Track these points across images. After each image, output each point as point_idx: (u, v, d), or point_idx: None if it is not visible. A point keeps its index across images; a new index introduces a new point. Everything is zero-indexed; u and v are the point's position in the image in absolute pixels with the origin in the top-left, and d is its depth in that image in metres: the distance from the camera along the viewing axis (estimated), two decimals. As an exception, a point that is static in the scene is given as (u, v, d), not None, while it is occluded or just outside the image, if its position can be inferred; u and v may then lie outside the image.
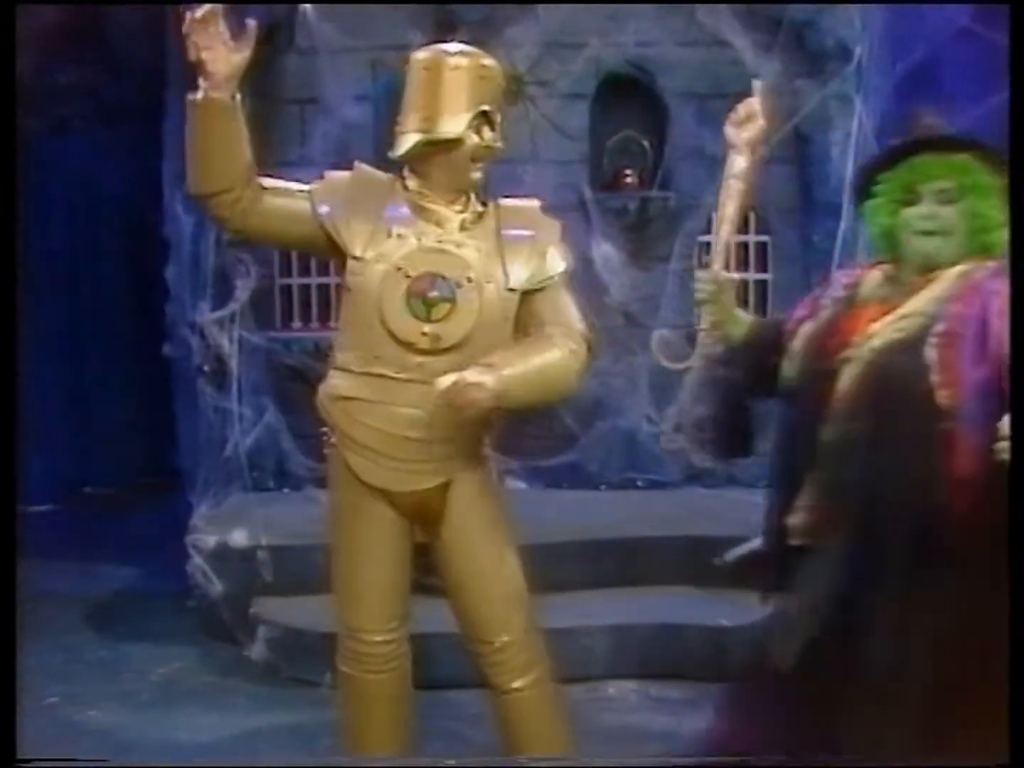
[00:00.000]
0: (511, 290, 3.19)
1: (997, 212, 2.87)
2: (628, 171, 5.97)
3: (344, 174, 3.25)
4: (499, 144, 3.21)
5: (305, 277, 6.03)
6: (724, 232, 3.10)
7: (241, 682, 4.48)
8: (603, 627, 4.59)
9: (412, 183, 3.20)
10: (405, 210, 3.19)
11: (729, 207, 3.11)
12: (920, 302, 2.84)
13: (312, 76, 5.79)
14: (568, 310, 3.25)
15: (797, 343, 3.01)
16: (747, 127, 3.14)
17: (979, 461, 2.73)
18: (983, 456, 2.71)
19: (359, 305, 3.14)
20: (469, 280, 3.14)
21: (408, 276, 3.11)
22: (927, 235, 2.88)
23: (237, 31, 2.96)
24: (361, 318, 3.13)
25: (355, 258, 3.12)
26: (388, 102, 5.79)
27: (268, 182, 3.15)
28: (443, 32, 5.67)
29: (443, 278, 3.12)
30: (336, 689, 3.45)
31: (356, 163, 3.30)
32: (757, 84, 3.22)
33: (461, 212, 3.21)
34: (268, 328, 5.89)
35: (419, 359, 3.11)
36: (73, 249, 7.48)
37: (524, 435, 5.78)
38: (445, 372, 2.98)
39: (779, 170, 5.75)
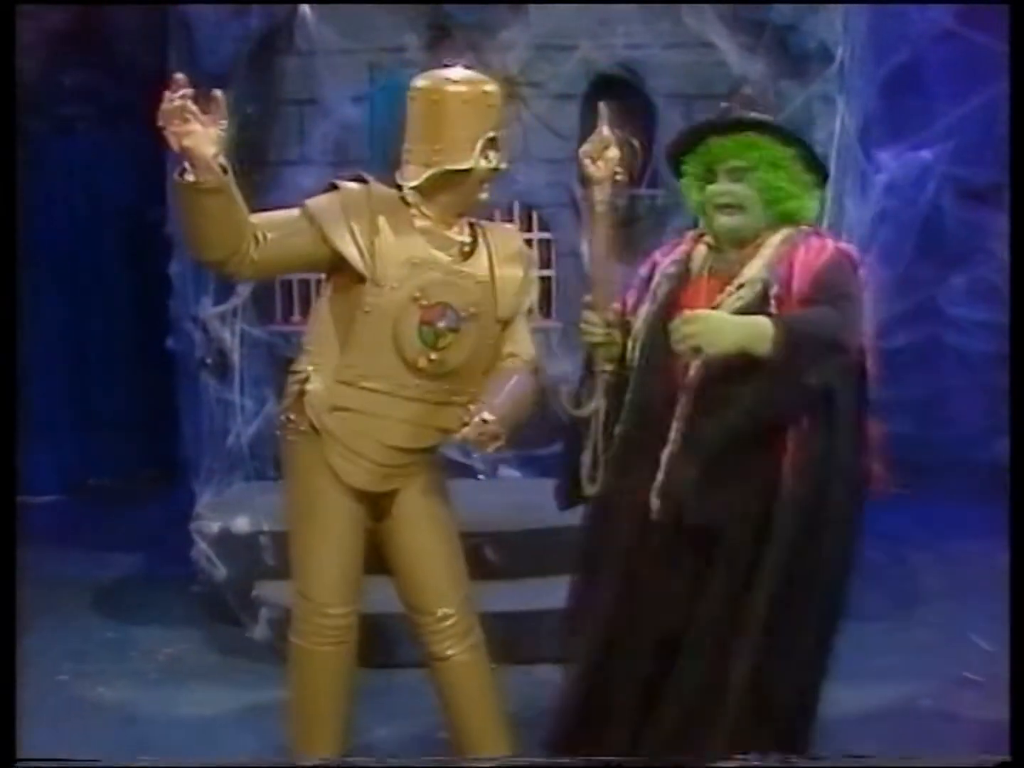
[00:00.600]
0: (499, 320, 3.45)
1: (788, 183, 3.16)
2: (618, 169, 6.12)
3: (356, 190, 3.37)
4: (504, 164, 3.41)
5: (305, 273, 6.18)
6: (598, 270, 3.31)
7: (244, 661, 4.66)
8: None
9: (421, 207, 3.37)
10: (417, 236, 3.37)
11: (598, 244, 3.33)
12: (753, 270, 3.12)
13: (311, 77, 5.90)
14: (529, 338, 3.57)
15: (639, 325, 3.24)
16: (603, 157, 3.40)
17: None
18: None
19: (373, 327, 3.34)
20: (472, 311, 3.38)
21: (422, 306, 3.34)
22: (726, 209, 3.17)
23: (205, 103, 3.07)
24: (373, 339, 3.34)
25: (375, 283, 3.31)
26: (386, 104, 5.98)
27: (266, 224, 3.25)
28: (438, 35, 5.87)
29: (452, 309, 3.36)
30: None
31: (362, 175, 3.43)
32: (603, 109, 3.42)
33: (459, 235, 3.42)
34: (269, 322, 6.03)
35: (419, 380, 3.37)
36: (76, 246, 7.56)
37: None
38: (439, 392, 3.38)
39: (764, 169, 5.94)
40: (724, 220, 3.20)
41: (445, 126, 3.31)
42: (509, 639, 4.57)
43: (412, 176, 3.36)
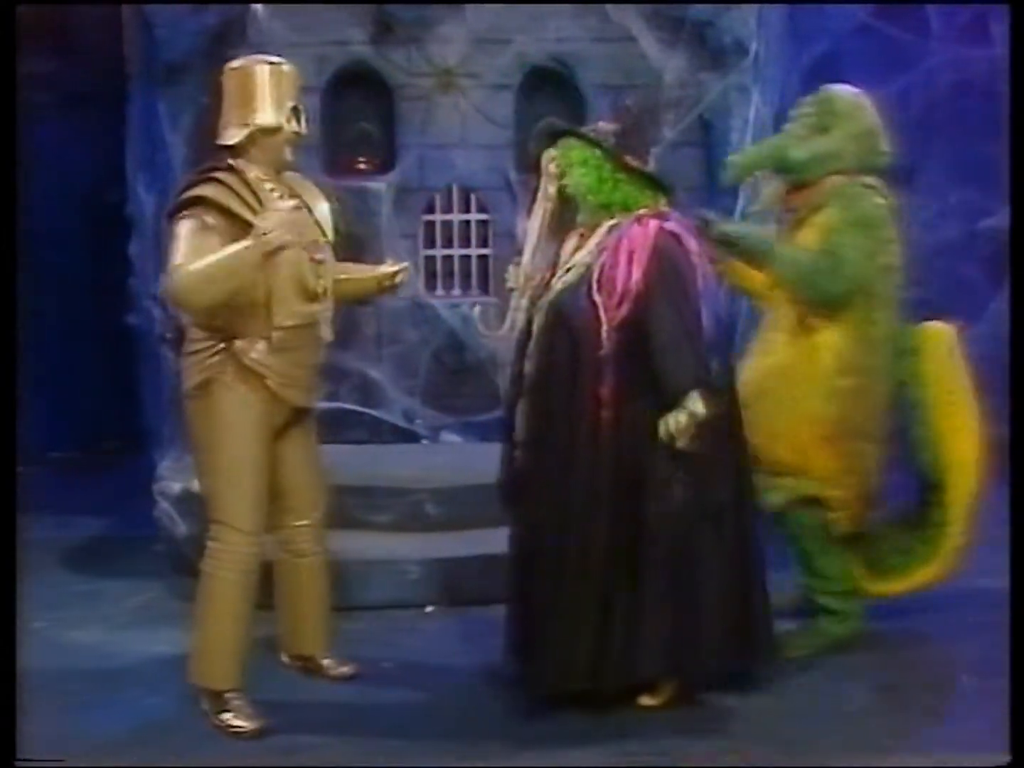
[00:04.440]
0: (328, 243, 4.13)
1: (590, 178, 3.84)
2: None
3: (230, 177, 3.92)
4: (305, 131, 4.07)
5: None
6: (531, 239, 4.02)
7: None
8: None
9: (252, 172, 3.96)
10: (272, 194, 3.97)
11: (536, 222, 4.02)
12: (581, 254, 3.68)
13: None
14: None
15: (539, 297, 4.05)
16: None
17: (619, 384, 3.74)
18: (622, 381, 3.73)
19: (285, 279, 3.94)
20: (323, 241, 4.10)
21: (304, 247, 3.98)
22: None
23: None
24: (287, 287, 3.95)
25: (274, 249, 3.84)
26: (332, 94, 6.35)
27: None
28: (381, 30, 6.23)
29: (316, 243, 4.06)
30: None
31: (229, 161, 3.97)
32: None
33: (284, 186, 4.07)
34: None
35: (315, 307, 4.04)
36: (38, 228, 7.74)
37: (459, 394, 6.37)
38: (323, 312, 4.06)
39: (685, 153, 6.30)
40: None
41: (256, 93, 3.96)
42: (450, 583, 5.04)
43: (231, 136, 3.98)
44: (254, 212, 3.86)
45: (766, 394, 4.29)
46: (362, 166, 6.44)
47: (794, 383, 4.33)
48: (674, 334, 3.73)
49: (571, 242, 4.02)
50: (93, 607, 5.16)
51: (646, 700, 4.05)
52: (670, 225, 3.88)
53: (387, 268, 4.34)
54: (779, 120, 6.55)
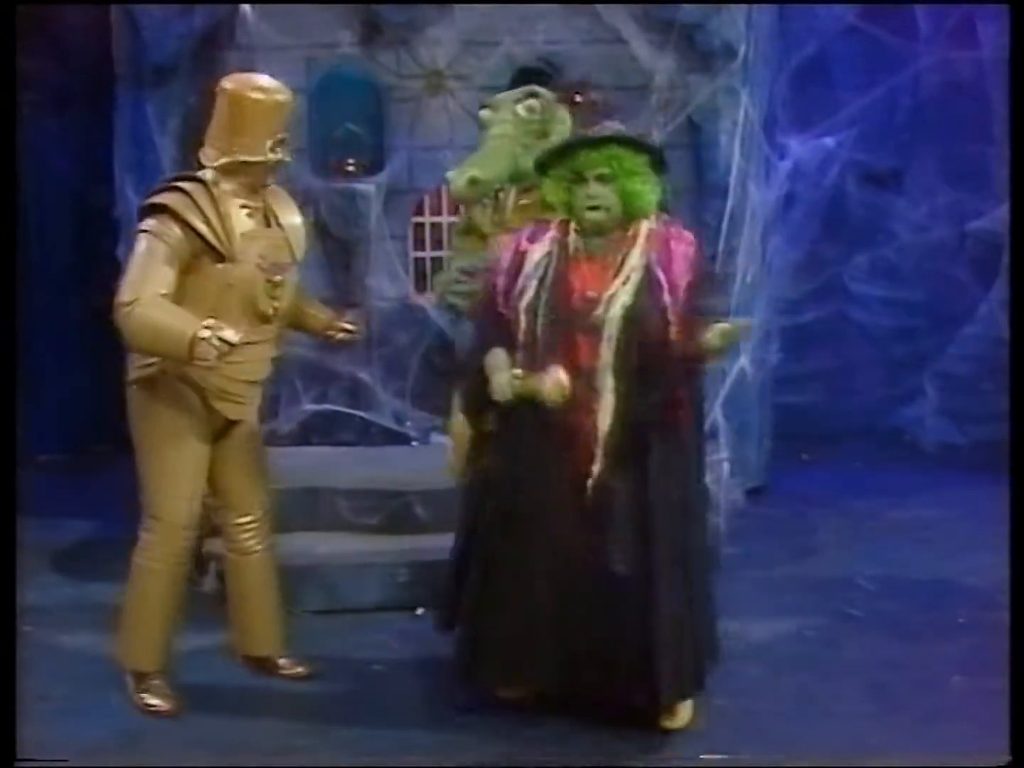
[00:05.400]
0: (297, 263, 4.18)
1: (642, 185, 3.82)
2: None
3: (194, 187, 3.97)
4: (289, 159, 4.15)
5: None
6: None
7: (196, 609, 4.96)
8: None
9: (220, 184, 3.99)
10: (240, 211, 4.01)
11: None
12: (634, 259, 3.65)
13: (251, 71, 6.19)
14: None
15: (532, 302, 3.84)
16: None
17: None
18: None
19: (236, 295, 3.99)
20: (287, 261, 4.10)
21: (263, 268, 4.01)
22: (593, 209, 3.79)
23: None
24: (235, 304, 4.00)
25: (231, 260, 3.96)
26: (320, 95, 6.34)
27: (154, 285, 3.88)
28: (370, 32, 6.23)
29: (278, 264, 4.07)
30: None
31: (195, 174, 4.03)
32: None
33: (258, 203, 4.08)
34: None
35: (265, 326, 4.07)
36: (24, 229, 7.71)
37: (448, 396, 6.36)
38: (274, 330, 4.11)
39: (674, 155, 6.27)
40: (591, 215, 3.85)
41: (246, 125, 3.97)
42: (440, 586, 5.02)
43: (213, 158, 4.01)
44: (213, 229, 3.93)
45: None
46: (351, 168, 6.42)
47: None
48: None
49: (549, 242, 3.93)
50: (80, 610, 5.16)
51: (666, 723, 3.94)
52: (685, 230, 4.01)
53: (342, 322, 4.39)
54: (768, 123, 6.63)
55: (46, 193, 7.71)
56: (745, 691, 4.21)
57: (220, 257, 3.99)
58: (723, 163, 6.25)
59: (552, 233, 3.93)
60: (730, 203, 6.08)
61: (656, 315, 3.76)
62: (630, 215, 3.86)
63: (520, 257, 3.91)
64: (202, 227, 3.93)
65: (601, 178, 3.81)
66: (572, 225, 3.91)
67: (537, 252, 3.89)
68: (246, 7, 6.09)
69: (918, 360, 7.57)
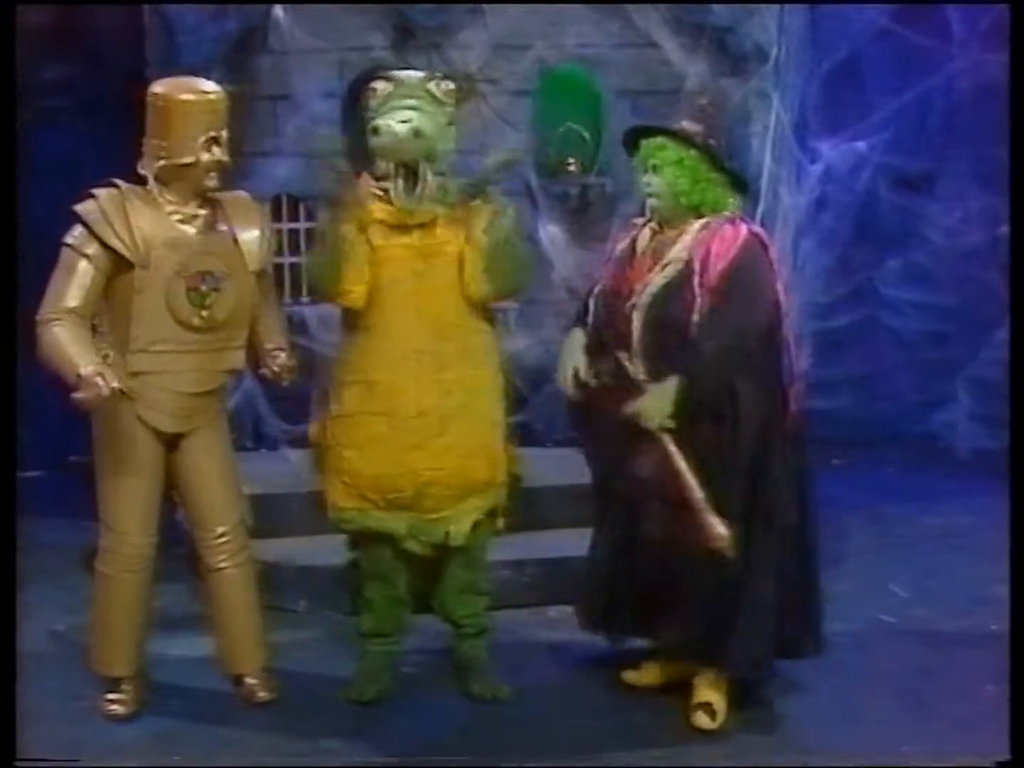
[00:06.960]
0: (251, 272, 4.04)
1: (685, 179, 3.87)
2: (570, 160, 6.42)
3: (109, 193, 3.95)
4: (226, 158, 3.97)
5: (278, 257, 6.40)
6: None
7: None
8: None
9: (164, 194, 3.94)
10: (166, 218, 3.94)
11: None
12: (675, 252, 3.69)
13: (284, 74, 6.23)
14: (279, 325, 4.29)
15: (591, 302, 4.06)
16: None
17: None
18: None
19: (149, 302, 3.92)
20: (226, 271, 3.98)
21: (184, 276, 3.93)
22: (649, 197, 3.94)
23: None
24: (151, 312, 3.94)
25: (143, 267, 3.89)
26: (351, 100, 6.32)
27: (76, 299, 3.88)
28: (402, 36, 6.23)
29: (210, 273, 3.96)
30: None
31: (115, 181, 3.99)
32: None
33: (199, 210, 3.99)
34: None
35: (196, 336, 3.98)
36: (56, 235, 7.78)
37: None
38: (216, 341, 4.00)
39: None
40: (649, 203, 4.00)
41: (171, 127, 3.90)
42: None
43: (148, 167, 3.96)
44: (119, 236, 3.88)
45: (460, 411, 4.10)
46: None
47: (479, 392, 4.16)
48: (733, 330, 3.82)
49: (627, 239, 4.10)
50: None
51: (630, 677, 4.17)
52: (757, 229, 4.02)
53: (282, 358, 4.20)
54: (800, 127, 6.61)
55: (75, 198, 7.73)
56: (775, 696, 4.20)
57: (131, 265, 3.93)
58: (754, 167, 6.20)
59: (634, 231, 4.12)
60: (761, 207, 6.06)
61: (681, 301, 3.84)
62: (681, 208, 3.95)
63: (612, 247, 4.17)
64: (108, 234, 3.88)
65: (654, 168, 3.95)
66: (652, 223, 4.06)
67: (620, 244, 4.12)
68: (279, 12, 6.11)
69: (950, 365, 7.51)
